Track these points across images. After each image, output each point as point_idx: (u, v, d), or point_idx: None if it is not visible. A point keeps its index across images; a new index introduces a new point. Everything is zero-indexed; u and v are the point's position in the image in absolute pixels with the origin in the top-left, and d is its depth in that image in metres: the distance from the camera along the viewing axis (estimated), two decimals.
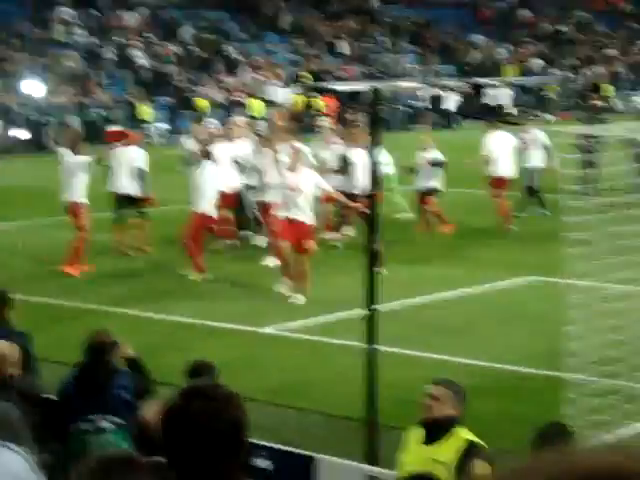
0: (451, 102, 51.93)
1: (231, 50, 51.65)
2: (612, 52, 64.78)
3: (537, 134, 21.59)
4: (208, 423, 3.28)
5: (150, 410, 6.25)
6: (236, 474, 3.36)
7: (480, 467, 5.83)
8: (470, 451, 6.05)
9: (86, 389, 7.51)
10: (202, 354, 11.94)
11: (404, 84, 52.89)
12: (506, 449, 8.67)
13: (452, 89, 53.17)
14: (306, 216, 15.48)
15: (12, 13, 46.91)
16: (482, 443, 6.30)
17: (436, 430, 6.27)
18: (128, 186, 18.81)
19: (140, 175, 18.87)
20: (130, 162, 18.79)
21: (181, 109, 45.07)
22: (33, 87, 41.02)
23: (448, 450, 6.19)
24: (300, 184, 15.52)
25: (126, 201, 18.94)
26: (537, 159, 21.04)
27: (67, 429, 7.48)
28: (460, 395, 6.46)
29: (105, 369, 7.58)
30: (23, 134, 39.44)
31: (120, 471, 3.49)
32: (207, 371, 7.15)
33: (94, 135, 39.12)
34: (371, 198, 8.93)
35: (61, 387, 7.77)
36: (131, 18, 50.91)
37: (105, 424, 7.43)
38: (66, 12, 48.84)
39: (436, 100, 52.00)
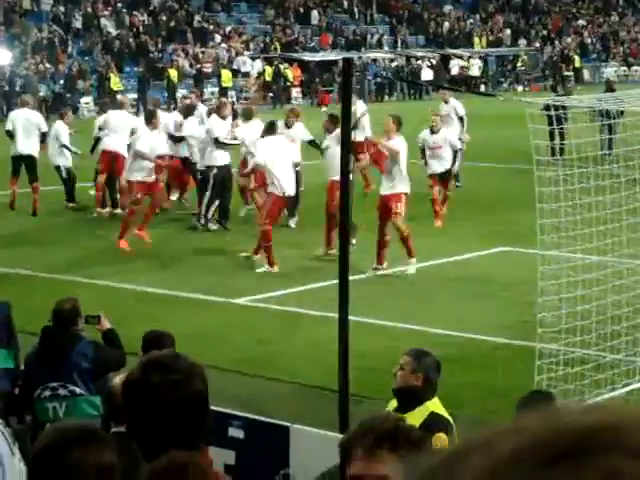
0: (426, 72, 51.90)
1: (200, 20, 51.34)
2: (581, 23, 64.92)
3: (455, 104, 22.14)
4: (168, 395, 3.25)
5: (119, 380, 6.27)
6: (197, 445, 3.35)
7: (438, 439, 5.85)
8: (430, 423, 6.05)
9: (46, 357, 7.54)
10: (173, 325, 11.96)
11: (374, 54, 52.83)
12: (478, 418, 8.77)
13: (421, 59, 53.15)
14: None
15: None
16: (446, 415, 6.32)
17: (407, 400, 6.29)
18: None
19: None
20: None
21: (151, 79, 44.81)
22: (2, 56, 40.64)
23: (413, 421, 6.23)
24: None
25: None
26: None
27: (31, 397, 7.54)
28: (426, 365, 6.45)
29: (65, 337, 7.58)
30: None
31: (78, 442, 3.46)
32: (163, 342, 7.12)
33: (60, 104, 38.90)
34: (345, 171, 8.93)
35: (27, 356, 7.79)
36: None
37: (63, 392, 7.45)
38: None
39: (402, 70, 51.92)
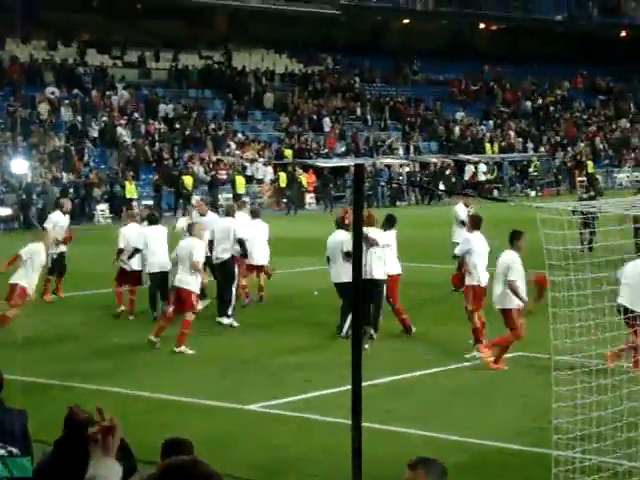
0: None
1: (216, 127, 52.04)
2: (592, 129, 65.58)
3: (458, 209, 22.55)
4: None
5: None
6: None
7: None
8: None
9: (65, 466, 7.45)
10: (186, 431, 11.88)
11: (387, 160, 53.33)
12: None
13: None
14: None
15: None
16: None
17: None
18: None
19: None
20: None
21: (165, 186, 45.26)
22: (19, 166, 41.24)
23: None
24: None
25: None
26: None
27: None
28: (439, 474, 6.31)
29: (82, 445, 7.51)
30: (4, 211, 39.68)
31: None
32: (183, 449, 7.06)
33: (81, 212, 39.26)
34: (357, 274, 8.97)
35: (39, 465, 7.70)
36: (115, 97, 51.31)
37: None
38: (51, 91, 49.22)
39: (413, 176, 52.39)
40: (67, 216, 23.68)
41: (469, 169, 54.89)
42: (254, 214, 21.93)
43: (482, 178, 54.37)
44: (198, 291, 17.36)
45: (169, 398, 14.16)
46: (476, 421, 12.76)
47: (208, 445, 11.13)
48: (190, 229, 18.19)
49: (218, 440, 11.93)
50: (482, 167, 55.10)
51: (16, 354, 16.33)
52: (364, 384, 8.95)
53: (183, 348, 16.83)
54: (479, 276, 16.45)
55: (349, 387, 8.97)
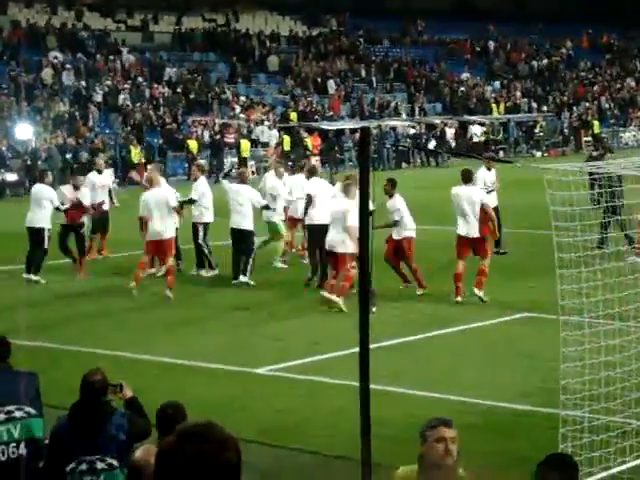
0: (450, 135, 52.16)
1: (220, 91, 51.84)
2: (597, 88, 65.22)
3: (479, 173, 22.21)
4: (202, 466, 3.23)
5: (143, 453, 6.20)
6: None
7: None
8: None
9: (81, 430, 7.45)
10: (194, 395, 11.92)
11: (392, 122, 53.13)
12: None
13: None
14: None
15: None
16: None
17: None
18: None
19: None
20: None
21: (170, 150, 45.17)
22: (24, 131, 41.12)
23: None
24: None
25: None
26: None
27: (62, 472, 7.42)
28: None
29: (100, 409, 7.52)
30: (11, 176, 39.59)
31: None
32: (177, 413, 7.06)
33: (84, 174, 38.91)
34: (364, 237, 8.93)
35: (55, 429, 7.70)
36: (119, 61, 51.11)
37: (101, 465, 7.37)
38: (54, 56, 49.04)
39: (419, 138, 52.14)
40: (105, 173, 23.87)
41: (473, 131, 54.61)
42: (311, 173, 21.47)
43: (475, 140, 54.03)
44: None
45: (177, 362, 14.20)
46: (484, 382, 12.78)
47: (216, 408, 11.17)
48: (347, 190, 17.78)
49: (226, 403, 11.97)
50: (476, 128, 54.59)
51: (19, 318, 16.39)
52: (371, 346, 8.95)
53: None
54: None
55: (356, 349, 8.97)
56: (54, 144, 41.52)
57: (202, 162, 29.05)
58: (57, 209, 20.67)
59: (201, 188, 20.66)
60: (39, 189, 21.02)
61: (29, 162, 39.97)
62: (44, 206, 20.45)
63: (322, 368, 13.71)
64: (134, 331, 16.15)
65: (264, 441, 10.78)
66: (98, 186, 23.22)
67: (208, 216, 20.65)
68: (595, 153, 29.53)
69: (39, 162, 40.03)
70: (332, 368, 13.49)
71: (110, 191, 24.18)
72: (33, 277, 20.15)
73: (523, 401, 11.97)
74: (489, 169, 22.52)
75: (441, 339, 15.28)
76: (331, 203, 18.50)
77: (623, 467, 9.32)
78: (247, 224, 19.73)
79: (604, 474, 9.21)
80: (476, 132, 54.20)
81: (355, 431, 8.68)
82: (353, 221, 16.01)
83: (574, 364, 9.58)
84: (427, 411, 9.95)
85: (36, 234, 20.31)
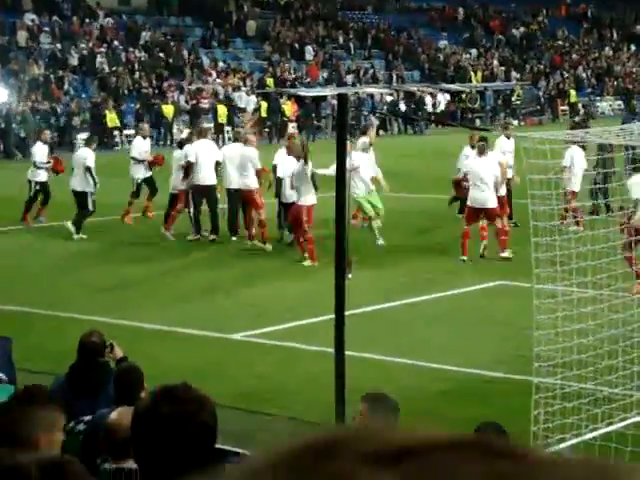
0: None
1: (195, 56, 51.55)
2: (575, 57, 65.23)
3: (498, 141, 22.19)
4: (178, 427, 3.26)
5: (117, 415, 6.23)
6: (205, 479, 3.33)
7: None
8: None
9: (80, 390, 7.47)
10: (170, 361, 11.96)
11: (370, 89, 53.02)
12: None
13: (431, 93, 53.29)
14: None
15: None
16: None
17: None
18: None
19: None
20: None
21: (147, 115, 44.89)
22: None
23: None
24: None
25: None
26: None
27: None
28: (386, 410, 6.30)
29: (99, 369, 7.55)
30: None
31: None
32: (134, 376, 7.09)
33: (62, 140, 38.98)
34: (340, 203, 8.95)
35: (51, 389, 7.70)
36: (95, 24, 50.71)
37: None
38: (30, 18, 48.59)
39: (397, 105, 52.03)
40: (148, 140, 24.21)
41: (442, 99, 54.42)
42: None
43: (442, 108, 53.85)
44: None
45: (153, 327, 14.22)
46: (458, 349, 12.86)
47: (192, 374, 11.18)
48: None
49: (202, 369, 12.00)
50: (440, 97, 54.32)
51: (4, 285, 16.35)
52: (347, 313, 8.99)
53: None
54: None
55: (332, 316, 9.02)
56: (29, 107, 41.22)
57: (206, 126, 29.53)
58: (87, 169, 21.04)
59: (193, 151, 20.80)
60: (78, 154, 21.80)
61: (3, 125, 39.67)
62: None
63: (298, 334, 13.76)
64: (110, 296, 16.14)
65: (239, 406, 10.83)
66: (143, 151, 23.31)
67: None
68: (577, 118, 29.52)
69: (14, 125, 39.75)
70: (308, 334, 13.54)
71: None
72: (75, 236, 20.79)
73: (497, 368, 12.06)
74: (508, 137, 22.31)
75: (417, 306, 15.35)
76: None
77: (595, 434, 9.43)
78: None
79: (576, 440, 9.31)
80: (440, 100, 54.06)
81: (330, 398, 8.74)
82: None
83: (547, 332, 9.66)
84: (401, 377, 10.02)
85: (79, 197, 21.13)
